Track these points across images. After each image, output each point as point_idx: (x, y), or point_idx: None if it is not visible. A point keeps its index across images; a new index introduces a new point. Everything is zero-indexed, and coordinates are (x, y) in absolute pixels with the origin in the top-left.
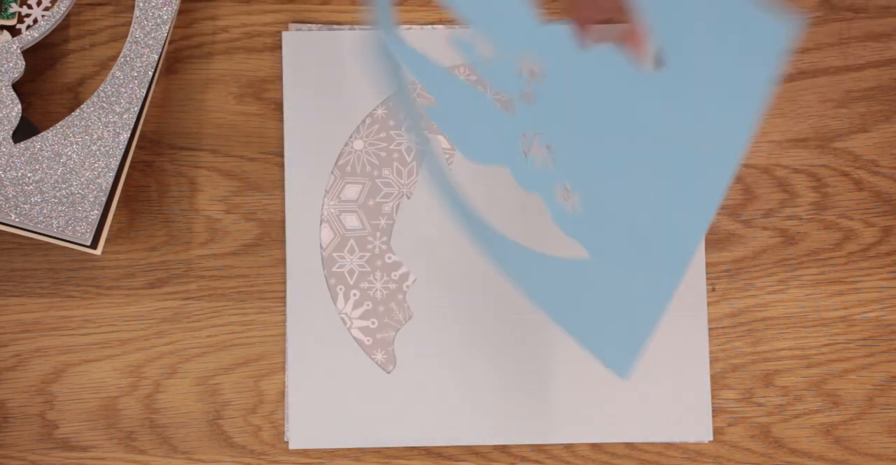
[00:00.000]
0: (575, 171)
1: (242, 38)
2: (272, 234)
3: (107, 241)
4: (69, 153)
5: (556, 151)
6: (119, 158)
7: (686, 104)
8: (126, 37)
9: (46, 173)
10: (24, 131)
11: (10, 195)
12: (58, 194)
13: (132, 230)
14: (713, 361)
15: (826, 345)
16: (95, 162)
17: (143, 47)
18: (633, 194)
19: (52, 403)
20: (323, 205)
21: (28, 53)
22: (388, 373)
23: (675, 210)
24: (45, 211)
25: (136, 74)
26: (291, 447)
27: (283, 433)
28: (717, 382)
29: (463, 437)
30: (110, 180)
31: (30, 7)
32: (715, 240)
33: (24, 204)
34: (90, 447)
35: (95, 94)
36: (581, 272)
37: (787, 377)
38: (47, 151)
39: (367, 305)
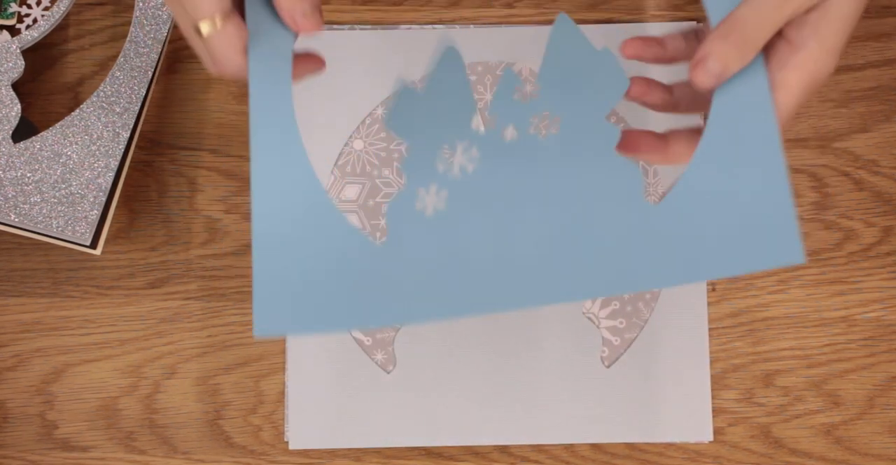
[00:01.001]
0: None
1: None
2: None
3: (106, 241)
4: (69, 153)
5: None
6: (119, 158)
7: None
8: (126, 37)
9: (46, 173)
10: (23, 131)
11: (10, 195)
12: (57, 194)
13: (132, 230)
14: (713, 361)
15: (827, 345)
16: (95, 162)
17: (142, 47)
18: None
19: (51, 403)
20: None
21: (28, 53)
22: (388, 373)
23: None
24: (44, 211)
25: (135, 74)
26: (291, 447)
27: (283, 433)
28: (717, 382)
29: (463, 437)
30: (110, 180)
31: (29, 7)
32: None
33: (23, 204)
34: (90, 448)
35: (95, 94)
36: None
37: (788, 378)
38: (47, 151)
39: None
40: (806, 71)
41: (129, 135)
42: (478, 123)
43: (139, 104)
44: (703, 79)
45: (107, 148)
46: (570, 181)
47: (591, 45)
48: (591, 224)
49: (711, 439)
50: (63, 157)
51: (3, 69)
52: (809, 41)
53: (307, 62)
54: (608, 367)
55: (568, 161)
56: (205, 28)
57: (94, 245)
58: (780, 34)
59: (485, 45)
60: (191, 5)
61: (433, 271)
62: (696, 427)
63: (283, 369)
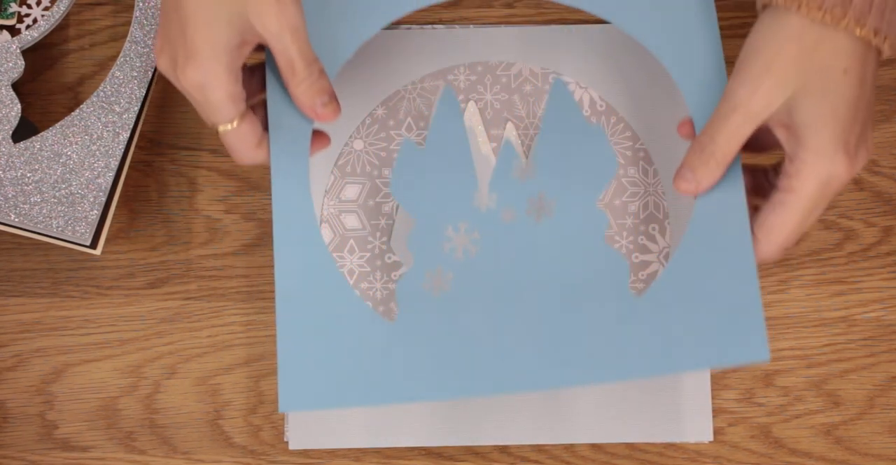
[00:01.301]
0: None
1: None
2: (272, 234)
3: (106, 241)
4: (69, 153)
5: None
6: (119, 157)
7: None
8: (126, 37)
9: (46, 173)
10: (23, 131)
11: (10, 195)
12: (57, 194)
13: (132, 230)
14: None
15: (827, 345)
16: (95, 162)
17: (142, 47)
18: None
19: (51, 403)
20: (323, 205)
21: (27, 53)
22: None
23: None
24: (44, 211)
25: (135, 74)
26: (291, 447)
27: (284, 433)
28: (717, 382)
29: (463, 437)
30: (110, 180)
31: (29, 7)
32: None
33: (23, 204)
34: (90, 448)
35: (95, 94)
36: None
37: (788, 378)
38: (47, 151)
39: (368, 304)
40: (804, 178)
41: (129, 135)
42: (479, 200)
43: (139, 104)
44: (681, 187)
45: (107, 148)
46: (563, 268)
47: (584, 120)
48: (580, 313)
49: (711, 439)
50: (63, 157)
51: (3, 69)
52: (798, 151)
53: (318, 141)
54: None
55: (561, 247)
56: (222, 129)
57: (94, 245)
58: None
59: (485, 45)
60: (210, 112)
61: (440, 351)
62: (696, 427)
63: None
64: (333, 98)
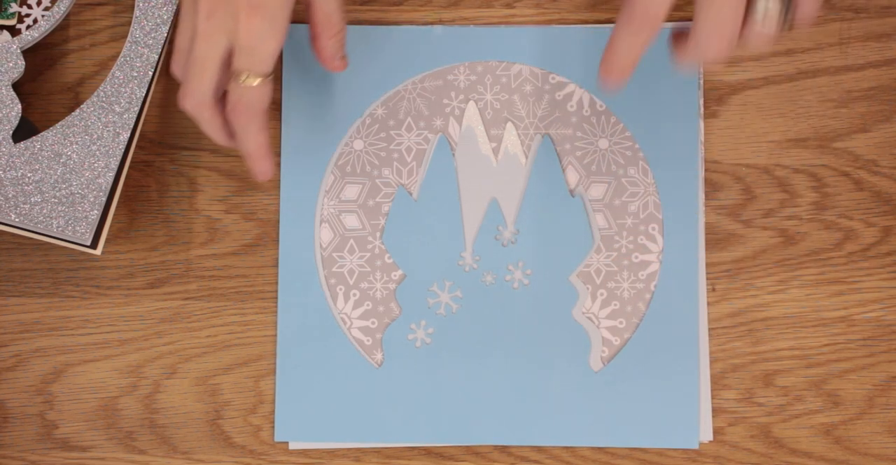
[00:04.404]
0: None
1: None
2: (272, 234)
3: (107, 241)
4: (69, 153)
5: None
6: (119, 157)
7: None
8: (126, 37)
9: (46, 173)
10: (23, 131)
11: (10, 195)
12: (58, 194)
13: (132, 230)
14: (713, 361)
15: (826, 345)
16: (95, 162)
17: (142, 47)
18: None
19: (51, 403)
20: (322, 205)
21: (28, 53)
22: (382, 370)
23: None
24: (44, 211)
25: (135, 74)
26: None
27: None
28: (717, 382)
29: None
30: (110, 180)
31: (30, 7)
32: (715, 240)
33: (23, 204)
34: (90, 448)
35: (95, 94)
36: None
37: (788, 377)
38: (47, 151)
39: (367, 305)
40: None
41: (129, 135)
42: (465, 261)
43: (139, 104)
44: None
45: (107, 148)
46: (532, 335)
47: (566, 192)
48: (542, 379)
49: (711, 439)
50: (63, 157)
51: (3, 69)
52: None
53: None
54: (607, 368)
55: (532, 315)
56: (253, 81)
57: (94, 245)
58: None
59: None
60: (254, 61)
61: (417, 400)
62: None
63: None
64: (345, 55)
